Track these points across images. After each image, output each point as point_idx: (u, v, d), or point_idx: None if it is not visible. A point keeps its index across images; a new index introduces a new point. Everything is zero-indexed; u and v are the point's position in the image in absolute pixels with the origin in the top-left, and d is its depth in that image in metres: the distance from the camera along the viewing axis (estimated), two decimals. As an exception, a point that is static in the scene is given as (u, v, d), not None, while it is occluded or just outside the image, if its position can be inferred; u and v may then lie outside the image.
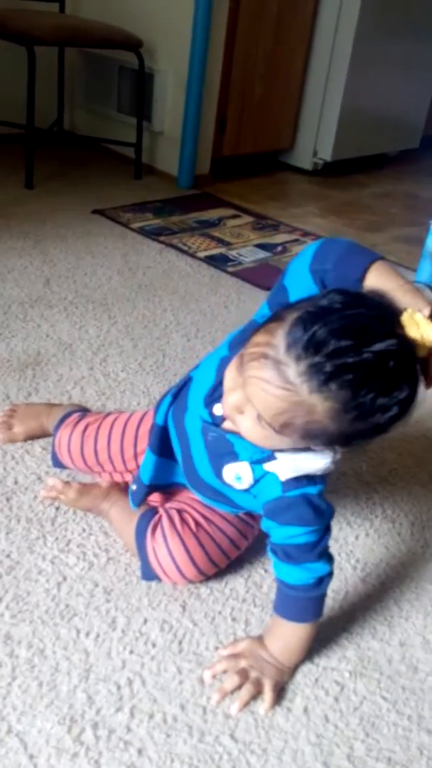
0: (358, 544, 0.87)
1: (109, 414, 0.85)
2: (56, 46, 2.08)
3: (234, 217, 1.94)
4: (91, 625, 0.70)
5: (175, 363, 1.19)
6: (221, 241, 1.74)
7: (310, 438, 0.53)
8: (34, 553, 0.77)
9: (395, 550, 0.87)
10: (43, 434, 0.94)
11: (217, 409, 0.64)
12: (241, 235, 1.81)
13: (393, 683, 0.69)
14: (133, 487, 0.77)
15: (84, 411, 0.90)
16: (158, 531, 0.74)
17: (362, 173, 2.52)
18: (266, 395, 0.51)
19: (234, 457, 0.64)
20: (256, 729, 0.63)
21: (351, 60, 2.24)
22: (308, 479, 0.62)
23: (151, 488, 0.76)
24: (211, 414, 0.65)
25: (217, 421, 0.64)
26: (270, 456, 0.62)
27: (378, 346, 0.48)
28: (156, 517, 0.75)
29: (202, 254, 1.64)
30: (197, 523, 0.74)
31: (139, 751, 0.60)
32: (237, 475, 0.64)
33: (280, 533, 0.64)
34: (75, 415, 0.86)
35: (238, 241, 1.77)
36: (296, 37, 2.21)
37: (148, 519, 0.75)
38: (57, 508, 0.84)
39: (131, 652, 0.68)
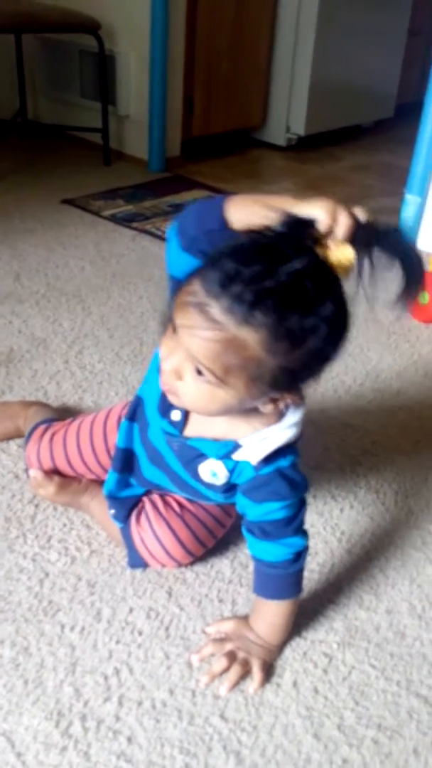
0: (342, 516, 0.87)
1: (74, 419, 0.84)
2: (12, 33, 2.03)
3: (207, 198, 1.91)
4: (76, 618, 0.69)
5: (153, 350, 1.17)
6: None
7: (255, 382, 0.52)
8: (14, 552, 0.77)
9: (380, 520, 0.87)
10: (18, 435, 0.92)
11: (175, 415, 0.63)
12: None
13: (381, 651, 0.69)
14: (112, 511, 0.76)
15: (52, 420, 0.88)
16: (143, 517, 0.73)
17: (337, 146, 2.48)
18: (199, 341, 0.50)
19: (203, 458, 0.64)
20: (245, 707, 0.63)
21: (317, 31, 2.19)
22: (278, 453, 0.61)
23: (122, 500, 0.75)
24: (171, 422, 0.64)
25: (178, 427, 0.64)
26: (235, 446, 0.61)
27: (291, 266, 0.47)
28: (139, 505, 0.75)
29: (176, 238, 1.62)
30: (181, 505, 0.73)
31: (129, 739, 0.60)
32: (212, 471, 0.64)
33: (256, 511, 0.63)
34: (40, 428, 0.85)
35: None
36: (259, 10, 2.16)
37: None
38: (36, 506, 0.83)
39: (117, 642, 0.68)
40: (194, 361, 0.52)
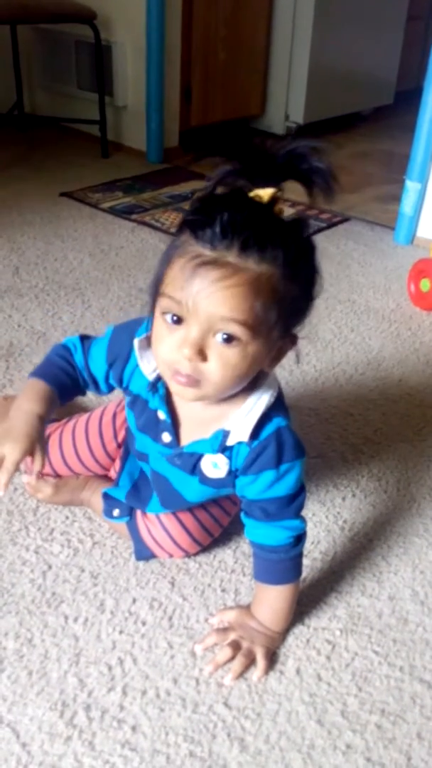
0: (345, 505, 0.86)
1: (69, 419, 0.84)
2: (7, 25, 2.01)
3: (206, 189, 1.89)
4: (79, 610, 0.70)
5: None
6: (194, 215, 1.71)
7: (274, 323, 0.53)
8: (17, 544, 0.77)
9: (382, 508, 0.87)
10: None
11: (165, 437, 0.64)
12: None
13: (384, 637, 0.70)
14: (116, 511, 0.76)
15: (49, 420, 0.88)
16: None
17: (337, 134, 2.46)
18: (225, 294, 0.50)
19: (201, 456, 0.64)
20: (249, 694, 0.63)
21: (315, 18, 2.16)
22: (265, 419, 0.60)
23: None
24: (165, 444, 0.65)
25: (172, 445, 0.64)
26: (225, 434, 0.61)
27: (263, 206, 0.51)
28: None
29: (175, 230, 1.61)
30: None
31: (133, 728, 0.60)
32: (213, 463, 0.64)
33: (256, 487, 0.62)
34: None
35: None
36: (256, -4, 2.13)
37: None
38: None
39: (121, 632, 0.68)
40: (221, 323, 0.51)
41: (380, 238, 1.64)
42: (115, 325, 0.67)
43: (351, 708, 0.63)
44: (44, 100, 2.26)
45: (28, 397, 0.63)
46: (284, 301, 0.53)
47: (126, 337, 0.63)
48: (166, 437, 0.64)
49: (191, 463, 0.65)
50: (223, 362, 0.53)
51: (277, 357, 0.58)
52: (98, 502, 0.79)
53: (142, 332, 0.61)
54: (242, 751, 0.59)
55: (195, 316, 0.51)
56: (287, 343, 0.58)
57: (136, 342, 0.61)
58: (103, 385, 0.68)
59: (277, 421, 0.61)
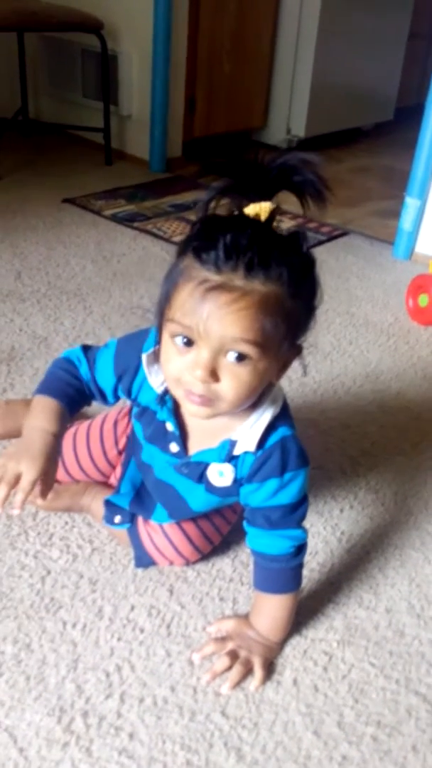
0: (342, 516, 0.87)
1: (70, 426, 0.83)
2: (15, 32, 2.03)
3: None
4: (78, 615, 0.70)
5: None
6: (196, 224, 1.72)
7: (283, 338, 0.54)
8: (16, 549, 0.77)
9: (379, 520, 0.87)
10: (20, 434, 0.92)
11: (173, 447, 0.65)
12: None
13: (380, 649, 0.70)
14: (118, 517, 0.76)
15: None
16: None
17: (337, 148, 2.49)
18: (234, 316, 0.51)
19: (208, 465, 0.65)
20: (246, 704, 0.64)
21: (318, 33, 2.20)
22: (270, 429, 0.61)
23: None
24: (173, 454, 0.65)
25: (181, 456, 0.65)
26: (231, 444, 0.62)
27: (261, 225, 0.52)
28: None
29: (177, 239, 1.62)
30: None
31: (131, 735, 0.60)
32: (219, 472, 0.64)
33: (260, 495, 0.63)
34: None
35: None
36: (262, 12, 2.17)
37: None
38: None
39: (119, 639, 0.68)
40: (232, 344, 0.52)
41: (379, 252, 1.67)
42: (118, 338, 0.68)
43: (347, 719, 0.63)
44: (49, 106, 2.27)
45: (41, 416, 0.64)
46: (290, 316, 0.54)
47: (132, 351, 0.64)
48: (174, 447, 0.65)
49: (198, 472, 0.65)
50: (235, 381, 0.54)
51: (284, 368, 0.59)
52: (98, 509, 0.79)
53: (149, 346, 0.62)
54: (239, 760, 0.59)
55: (206, 340, 0.52)
56: (292, 354, 0.59)
57: (144, 357, 0.62)
58: (110, 397, 0.68)
59: (282, 431, 0.62)
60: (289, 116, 2.36)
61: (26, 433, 0.63)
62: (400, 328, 1.34)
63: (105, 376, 0.66)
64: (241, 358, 0.53)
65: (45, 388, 0.67)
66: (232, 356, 0.53)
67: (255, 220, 0.53)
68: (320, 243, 1.68)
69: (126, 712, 0.62)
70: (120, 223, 1.67)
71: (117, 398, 0.68)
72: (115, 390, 0.67)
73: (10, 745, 0.58)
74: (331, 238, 1.72)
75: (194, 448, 0.65)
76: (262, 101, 2.34)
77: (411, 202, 1.62)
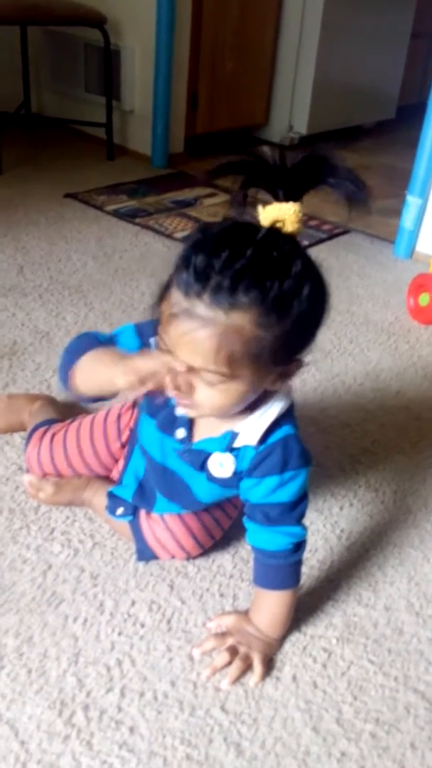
0: (342, 514, 0.88)
1: (73, 420, 0.84)
2: (17, 25, 2.02)
3: (210, 195, 1.91)
4: (79, 610, 0.70)
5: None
6: (198, 221, 1.72)
7: (259, 362, 0.53)
8: (17, 543, 0.77)
9: (379, 518, 0.88)
10: (22, 429, 0.92)
11: (180, 433, 0.65)
12: (218, 214, 1.78)
13: (379, 646, 0.71)
14: (120, 509, 0.76)
15: (53, 420, 0.88)
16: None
17: (339, 146, 2.47)
18: (196, 344, 0.51)
19: (209, 454, 0.65)
20: (246, 700, 0.64)
21: (321, 31, 2.20)
22: (274, 427, 0.62)
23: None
24: (178, 440, 0.66)
25: (185, 443, 0.65)
26: (233, 435, 0.62)
27: (252, 242, 0.50)
28: None
29: (179, 235, 1.62)
30: None
31: (131, 729, 0.60)
32: (220, 463, 0.65)
33: (259, 490, 0.64)
34: (40, 430, 0.85)
35: (216, 219, 1.75)
36: (265, 8, 2.16)
37: None
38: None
39: (120, 633, 0.68)
40: (198, 368, 0.52)
41: (380, 251, 1.67)
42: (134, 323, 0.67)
43: (346, 716, 0.64)
44: (51, 101, 2.26)
45: (102, 356, 0.60)
46: (267, 342, 0.51)
47: (148, 329, 0.63)
48: (181, 433, 0.65)
49: (199, 461, 0.66)
50: (209, 398, 0.55)
51: (282, 378, 0.58)
52: (100, 503, 0.79)
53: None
54: (238, 755, 0.60)
55: (178, 360, 0.53)
56: (291, 367, 0.58)
57: (152, 341, 0.61)
58: None
59: (285, 429, 0.62)
60: (291, 113, 2.36)
61: (111, 358, 0.58)
62: (400, 327, 1.34)
63: (130, 345, 0.64)
64: (210, 381, 0.53)
65: (82, 350, 0.62)
66: (202, 378, 0.53)
67: (245, 234, 0.50)
68: (321, 241, 1.68)
69: (126, 706, 0.62)
70: (122, 218, 1.67)
71: None
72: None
73: (11, 737, 0.58)
74: (332, 236, 1.72)
75: (199, 435, 0.65)
76: (264, 98, 2.34)
77: (412, 201, 1.62)
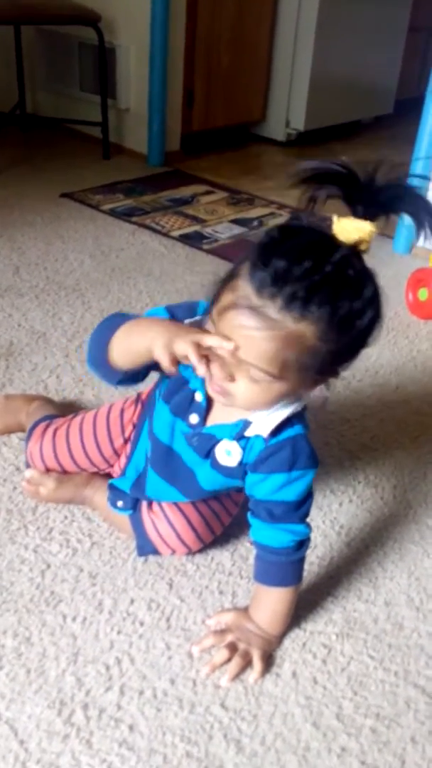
0: (341, 510, 0.87)
1: (75, 415, 0.84)
2: (11, 25, 2.01)
3: (207, 193, 1.90)
4: (78, 609, 0.70)
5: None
6: (195, 219, 1.72)
7: (306, 370, 0.54)
8: (15, 543, 0.77)
9: (378, 514, 0.88)
10: (20, 429, 0.92)
11: (193, 418, 0.65)
12: (215, 212, 1.78)
13: (379, 642, 0.70)
14: (120, 502, 0.76)
15: (53, 417, 0.88)
16: (155, 504, 0.74)
17: (337, 142, 2.48)
18: (255, 341, 0.52)
19: (218, 442, 0.65)
20: (245, 696, 0.64)
21: (318, 26, 2.19)
22: (286, 424, 0.62)
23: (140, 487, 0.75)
24: (189, 425, 0.66)
25: (196, 428, 0.65)
26: (246, 424, 0.63)
27: (334, 258, 0.51)
28: None
29: (176, 233, 1.62)
30: None
31: (131, 728, 0.60)
32: (227, 451, 0.65)
33: (265, 487, 0.64)
34: (41, 425, 0.85)
35: (212, 217, 1.74)
36: (260, 4, 2.15)
37: None
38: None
39: (119, 632, 0.68)
40: (249, 363, 0.53)
41: (379, 246, 1.64)
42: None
43: (346, 711, 0.64)
44: (46, 100, 2.26)
45: (143, 319, 0.60)
46: (321, 354, 0.53)
47: (182, 311, 0.62)
48: (194, 418, 0.65)
49: (206, 447, 0.66)
50: (247, 391, 0.56)
51: (315, 385, 0.59)
52: (100, 500, 0.79)
53: (197, 315, 0.61)
54: (238, 752, 0.60)
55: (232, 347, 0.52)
56: (327, 376, 0.59)
57: (186, 322, 0.60)
58: None
59: (297, 428, 0.63)
60: (288, 109, 2.35)
61: (159, 326, 0.57)
62: (399, 322, 1.34)
63: None
64: (255, 378, 0.54)
65: (116, 325, 0.61)
66: (247, 373, 0.54)
67: (324, 248, 0.51)
68: (319, 237, 1.68)
69: (126, 705, 0.62)
70: (118, 217, 1.67)
71: None
72: None
73: (11, 737, 0.58)
74: (330, 232, 1.71)
75: (211, 422, 0.65)
76: (261, 94, 2.33)
77: (410, 196, 1.61)
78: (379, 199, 0.53)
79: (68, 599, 0.71)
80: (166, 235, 1.60)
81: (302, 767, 0.59)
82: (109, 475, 0.82)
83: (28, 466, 0.85)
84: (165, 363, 0.55)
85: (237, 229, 1.68)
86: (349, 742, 0.61)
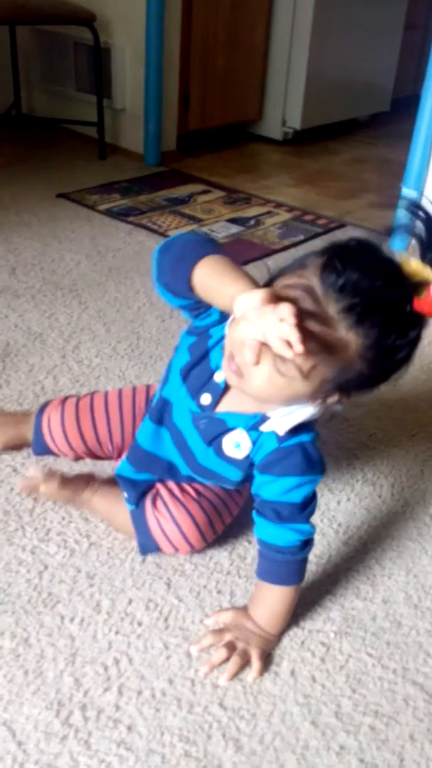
0: (339, 508, 0.87)
1: (95, 392, 0.83)
2: (6, 25, 2.01)
3: (204, 192, 1.90)
4: (75, 610, 0.70)
5: (150, 345, 1.18)
6: (192, 218, 1.71)
7: (331, 381, 0.55)
8: (13, 544, 0.77)
9: (376, 512, 0.88)
10: (22, 443, 0.89)
11: (205, 399, 0.65)
12: (212, 211, 1.78)
13: (378, 639, 0.70)
14: (125, 494, 0.76)
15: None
16: (159, 502, 0.73)
17: (334, 140, 2.48)
18: (303, 332, 0.50)
19: (228, 431, 0.65)
20: (244, 695, 0.64)
21: (313, 24, 2.18)
22: (302, 428, 0.62)
23: (142, 460, 0.74)
24: (199, 405, 0.66)
25: (206, 410, 0.65)
26: (263, 418, 0.63)
27: (401, 288, 0.52)
28: (153, 490, 0.75)
29: (173, 233, 1.61)
30: (197, 491, 0.74)
31: (129, 728, 0.60)
32: (236, 443, 0.65)
33: (274, 488, 0.64)
34: (58, 398, 0.84)
35: (209, 217, 1.74)
36: (256, 3, 2.15)
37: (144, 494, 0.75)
38: (35, 499, 0.83)
39: (117, 632, 0.68)
40: (280, 353, 0.51)
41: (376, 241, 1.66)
42: None
43: (345, 709, 0.64)
44: (42, 101, 2.26)
45: (236, 268, 0.57)
46: (350, 372, 0.54)
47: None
48: (206, 399, 0.65)
49: (213, 433, 0.65)
50: (266, 379, 0.55)
51: (324, 399, 0.59)
52: (98, 503, 0.79)
53: None
54: (237, 751, 0.59)
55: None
56: (342, 395, 0.58)
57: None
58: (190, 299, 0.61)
59: (311, 435, 0.63)
60: (285, 108, 2.35)
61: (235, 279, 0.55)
62: (396, 320, 1.34)
63: None
64: (283, 362, 0.53)
65: (205, 250, 0.58)
66: (274, 361, 0.53)
67: (397, 277, 0.51)
68: (317, 235, 1.68)
69: (124, 705, 0.62)
70: (115, 217, 1.67)
71: (192, 307, 0.63)
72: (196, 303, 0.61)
73: (8, 738, 0.58)
74: (327, 231, 1.71)
75: (223, 407, 0.65)
76: (257, 93, 2.33)
77: (407, 193, 1.61)
78: None
79: (66, 600, 0.71)
80: (163, 234, 1.60)
81: (301, 766, 0.59)
82: (113, 480, 0.82)
83: (36, 449, 0.82)
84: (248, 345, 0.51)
85: (234, 228, 1.68)
86: (348, 740, 0.61)
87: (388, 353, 0.53)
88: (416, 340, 0.54)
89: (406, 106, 2.30)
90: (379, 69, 2.56)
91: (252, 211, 1.79)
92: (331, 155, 2.36)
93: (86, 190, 1.81)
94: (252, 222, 1.73)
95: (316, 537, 0.81)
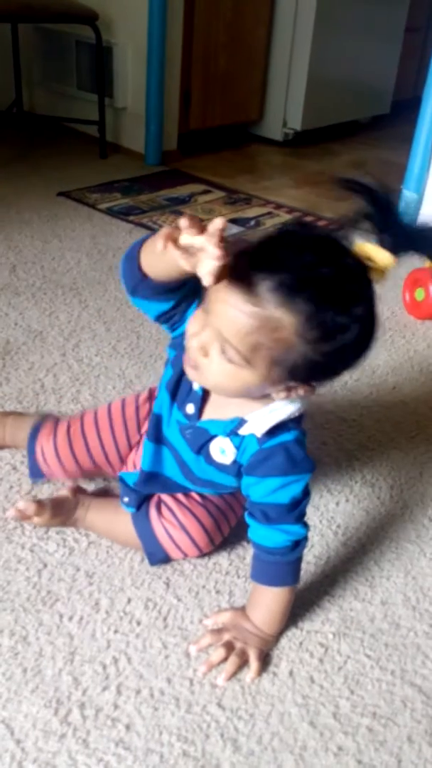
0: (338, 510, 0.87)
1: (85, 412, 0.82)
2: (8, 23, 2.01)
3: (205, 192, 1.90)
4: (74, 608, 0.70)
5: (150, 344, 1.18)
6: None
7: (278, 366, 0.54)
8: (12, 542, 0.77)
9: (375, 513, 0.88)
10: (3, 444, 0.88)
11: (189, 409, 0.65)
12: (212, 211, 1.78)
13: (376, 641, 0.70)
14: (126, 499, 0.76)
15: (49, 416, 0.86)
16: (165, 509, 0.73)
17: (334, 141, 2.48)
18: (235, 313, 0.51)
19: (212, 438, 0.65)
20: (242, 695, 0.64)
21: (315, 26, 2.19)
22: (281, 428, 0.62)
23: (147, 481, 0.74)
24: (186, 415, 0.66)
25: (192, 420, 0.66)
26: (241, 422, 0.63)
27: (336, 263, 0.51)
28: (154, 497, 0.74)
29: (173, 232, 1.61)
30: (201, 496, 0.74)
31: (127, 727, 0.60)
32: (221, 449, 0.65)
33: (259, 490, 0.64)
34: (48, 424, 0.82)
35: (209, 217, 1.74)
36: (257, 4, 2.15)
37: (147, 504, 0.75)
38: (34, 497, 0.83)
39: (116, 631, 0.68)
40: (222, 339, 0.53)
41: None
42: None
43: (343, 710, 0.64)
44: (43, 99, 2.25)
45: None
46: (295, 353, 0.53)
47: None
48: (191, 408, 0.65)
49: (200, 442, 0.66)
50: (216, 369, 0.56)
51: (289, 393, 0.59)
52: (93, 518, 0.78)
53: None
54: (235, 751, 0.60)
55: (211, 320, 0.54)
56: (303, 388, 0.58)
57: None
58: (169, 303, 0.61)
59: (293, 433, 0.63)
60: (286, 109, 2.35)
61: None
62: (396, 323, 1.34)
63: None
64: (224, 351, 0.54)
65: (144, 239, 0.58)
66: (220, 348, 0.54)
67: (342, 253, 0.51)
68: (317, 237, 1.68)
69: (123, 704, 0.62)
70: (115, 216, 1.67)
71: (169, 310, 0.62)
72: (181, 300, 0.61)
73: (7, 736, 0.58)
74: (327, 232, 1.71)
75: (206, 416, 0.65)
76: (258, 94, 2.33)
77: (408, 196, 1.61)
78: (409, 235, 0.53)
79: (65, 598, 0.71)
80: (163, 234, 1.60)
81: (299, 766, 0.59)
82: (103, 492, 0.82)
83: (33, 474, 0.81)
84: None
85: (234, 229, 1.68)
86: (346, 741, 0.61)
87: (332, 332, 0.52)
88: (366, 319, 0.52)
89: (406, 109, 2.31)
90: (379, 71, 2.57)
91: (252, 212, 1.79)
92: (331, 157, 2.36)
93: (87, 188, 1.81)
94: (252, 222, 1.73)
95: (315, 537, 0.82)
